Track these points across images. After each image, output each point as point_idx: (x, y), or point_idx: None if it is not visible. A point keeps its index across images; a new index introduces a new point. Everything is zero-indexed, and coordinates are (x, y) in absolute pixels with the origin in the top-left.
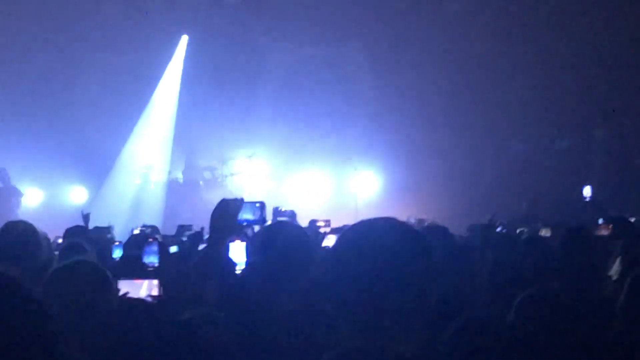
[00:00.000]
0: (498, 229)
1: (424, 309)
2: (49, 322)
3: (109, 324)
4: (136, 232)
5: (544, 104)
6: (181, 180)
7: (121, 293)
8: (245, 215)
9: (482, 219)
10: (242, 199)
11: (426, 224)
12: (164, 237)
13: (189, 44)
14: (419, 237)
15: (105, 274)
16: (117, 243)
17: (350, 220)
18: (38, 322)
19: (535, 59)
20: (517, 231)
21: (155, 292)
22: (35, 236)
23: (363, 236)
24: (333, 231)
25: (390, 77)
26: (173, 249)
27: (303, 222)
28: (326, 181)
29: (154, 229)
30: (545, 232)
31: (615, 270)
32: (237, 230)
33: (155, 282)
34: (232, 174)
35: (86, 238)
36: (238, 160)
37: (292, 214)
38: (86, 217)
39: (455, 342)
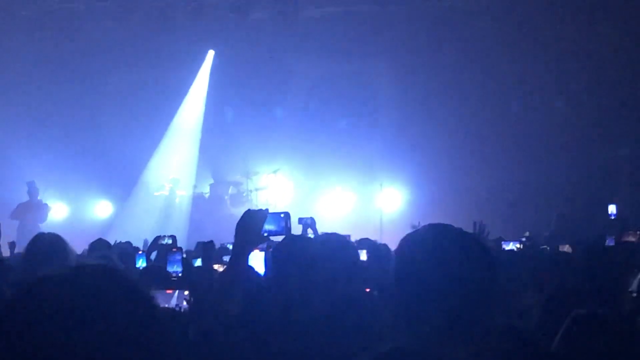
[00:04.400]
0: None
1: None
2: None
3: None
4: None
5: (569, 120)
6: (206, 195)
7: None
8: (269, 226)
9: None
10: (266, 210)
11: None
12: (188, 251)
13: (215, 59)
14: (482, 244)
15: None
16: (140, 252)
17: (375, 236)
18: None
19: (562, 75)
20: (541, 248)
21: (185, 303)
22: (64, 247)
23: (426, 241)
24: (359, 245)
25: (415, 93)
26: (197, 262)
27: None
28: (350, 196)
29: (174, 238)
30: (567, 249)
31: (635, 286)
32: (261, 241)
33: (186, 292)
34: (257, 189)
35: (109, 250)
36: (263, 175)
37: (312, 221)
38: (12, 245)
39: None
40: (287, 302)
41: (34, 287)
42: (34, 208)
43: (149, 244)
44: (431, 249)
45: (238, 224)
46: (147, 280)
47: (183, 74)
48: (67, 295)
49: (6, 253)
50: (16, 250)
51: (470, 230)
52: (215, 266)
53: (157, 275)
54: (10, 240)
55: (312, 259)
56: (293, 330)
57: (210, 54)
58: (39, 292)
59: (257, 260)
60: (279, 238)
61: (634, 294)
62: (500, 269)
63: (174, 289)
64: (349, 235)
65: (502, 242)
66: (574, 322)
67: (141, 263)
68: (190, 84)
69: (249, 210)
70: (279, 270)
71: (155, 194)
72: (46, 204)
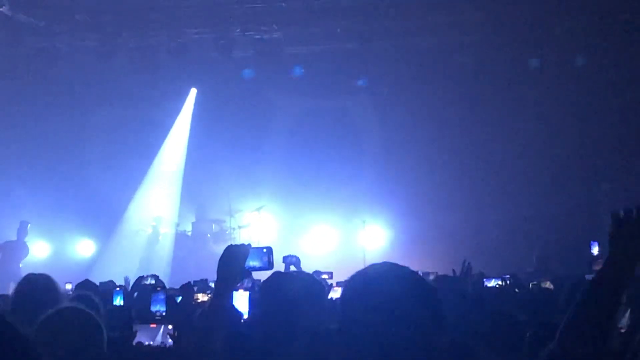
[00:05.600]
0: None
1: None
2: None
3: None
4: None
5: (550, 158)
6: (189, 233)
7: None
8: (252, 261)
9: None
10: (249, 245)
11: (432, 277)
12: (171, 289)
13: (197, 97)
14: (426, 283)
15: (94, 319)
16: (117, 289)
17: None
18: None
19: (540, 114)
20: (530, 285)
21: (169, 339)
22: (55, 288)
23: (371, 282)
24: (340, 284)
25: (398, 130)
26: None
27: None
28: (334, 234)
29: (156, 277)
30: (549, 285)
31: (624, 322)
32: (244, 276)
33: (170, 327)
34: (240, 227)
35: (94, 290)
36: (246, 213)
37: (297, 260)
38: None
39: None
40: (271, 338)
41: None
42: (17, 248)
43: (130, 281)
44: (374, 288)
45: (220, 259)
46: (118, 318)
47: (166, 111)
48: None
49: None
50: None
51: (452, 267)
52: (199, 295)
53: (124, 316)
54: None
55: (298, 296)
56: None
57: (193, 91)
58: None
59: (241, 300)
60: (262, 274)
61: (622, 330)
62: (480, 305)
63: (158, 324)
64: (331, 273)
65: (484, 279)
66: (549, 355)
67: (119, 301)
68: (173, 122)
69: (230, 245)
70: (265, 306)
71: (139, 229)
72: (27, 248)
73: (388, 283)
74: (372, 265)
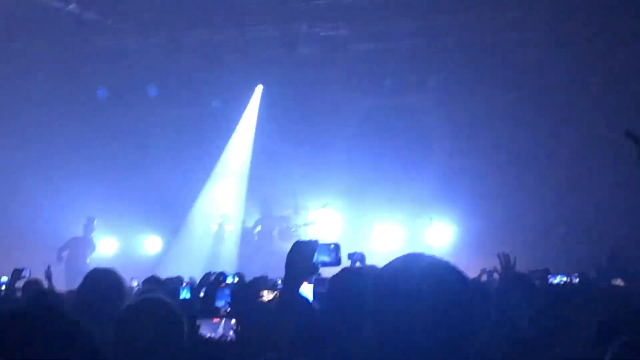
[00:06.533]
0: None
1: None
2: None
3: None
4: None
5: (622, 152)
6: (255, 230)
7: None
8: (321, 257)
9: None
10: (316, 241)
11: (496, 276)
12: (238, 284)
13: (263, 94)
14: (462, 277)
15: (175, 311)
16: (184, 284)
17: None
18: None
19: (608, 108)
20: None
21: (231, 332)
22: (120, 283)
23: (402, 273)
24: None
25: (465, 126)
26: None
27: None
28: (400, 231)
29: (223, 274)
30: (620, 282)
31: None
32: (313, 272)
33: (233, 321)
34: (306, 224)
35: (161, 286)
36: (312, 210)
37: (362, 257)
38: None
39: None
40: (340, 333)
41: None
42: (84, 244)
43: (195, 281)
44: (404, 279)
45: (288, 256)
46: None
47: (232, 108)
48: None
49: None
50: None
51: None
52: (265, 292)
53: (189, 309)
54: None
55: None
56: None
57: (259, 88)
58: None
59: (305, 293)
60: (331, 269)
61: None
62: (546, 301)
63: (221, 318)
64: None
65: (550, 276)
66: (620, 348)
67: (185, 294)
68: (239, 119)
69: (298, 241)
70: (334, 302)
71: (206, 226)
72: (93, 244)
73: (418, 272)
74: (403, 256)
